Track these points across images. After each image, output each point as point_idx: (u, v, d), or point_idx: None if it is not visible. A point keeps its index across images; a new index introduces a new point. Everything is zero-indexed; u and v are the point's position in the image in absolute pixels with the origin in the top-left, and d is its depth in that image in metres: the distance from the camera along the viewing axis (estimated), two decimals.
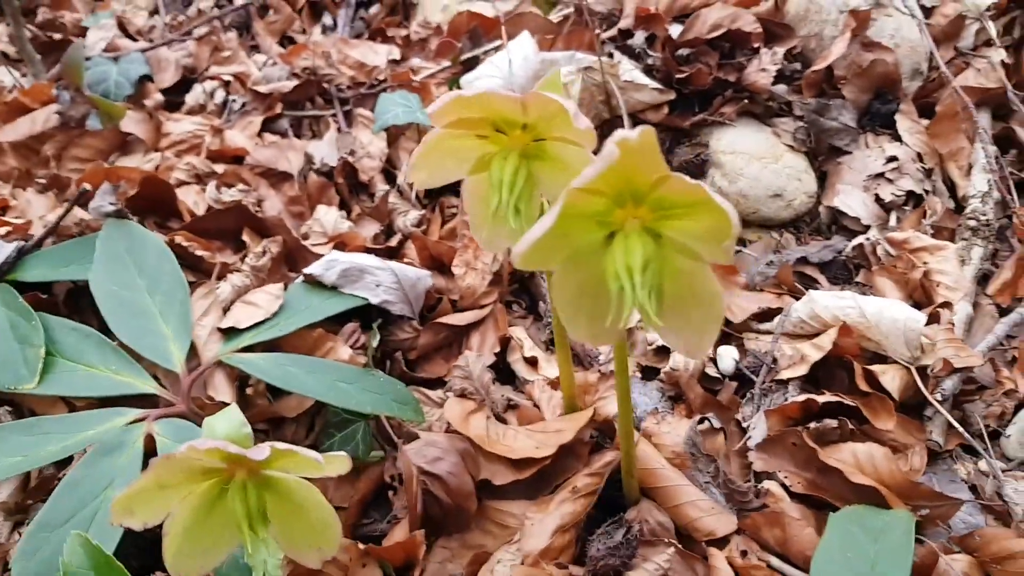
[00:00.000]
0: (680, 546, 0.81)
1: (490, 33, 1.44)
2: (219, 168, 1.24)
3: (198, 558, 0.70)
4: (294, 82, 1.41)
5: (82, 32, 1.67)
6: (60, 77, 1.41)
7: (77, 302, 1.07)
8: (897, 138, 1.25)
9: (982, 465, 0.90)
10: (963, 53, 1.31)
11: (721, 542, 0.83)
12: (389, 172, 1.29)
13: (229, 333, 0.95)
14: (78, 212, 1.10)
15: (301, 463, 0.67)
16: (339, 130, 1.34)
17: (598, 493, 0.86)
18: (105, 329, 0.98)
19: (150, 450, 0.84)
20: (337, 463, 0.67)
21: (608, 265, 0.59)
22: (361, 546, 0.83)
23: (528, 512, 0.85)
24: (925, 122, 1.26)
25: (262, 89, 1.42)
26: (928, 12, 1.35)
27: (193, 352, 0.94)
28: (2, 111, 1.35)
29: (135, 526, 0.65)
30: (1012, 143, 1.26)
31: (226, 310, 0.98)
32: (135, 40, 1.59)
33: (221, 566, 0.73)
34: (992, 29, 1.30)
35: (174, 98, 1.47)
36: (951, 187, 1.22)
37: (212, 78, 1.48)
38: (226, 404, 0.91)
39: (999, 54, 1.28)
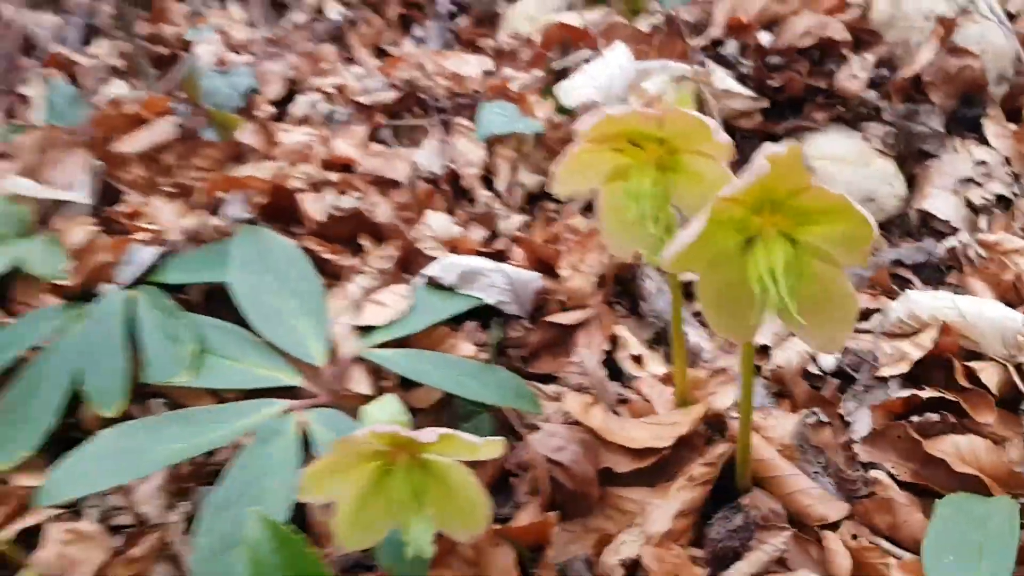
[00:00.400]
0: (795, 530, 0.87)
1: (579, 43, 1.50)
2: (332, 176, 1.32)
3: (364, 534, 0.78)
4: (393, 93, 1.49)
5: (185, 46, 1.77)
6: (173, 90, 1.51)
7: (212, 304, 1.15)
8: (984, 142, 1.29)
9: None
10: None
11: (833, 527, 0.88)
12: (487, 178, 1.36)
13: (364, 330, 1.03)
14: (210, 219, 1.18)
15: (460, 446, 0.74)
16: (440, 139, 1.41)
17: (713, 482, 0.92)
18: (243, 328, 1.06)
19: (302, 438, 0.92)
20: (491, 447, 0.74)
21: (750, 268, 0.65)
22: (495, 527, 0.90)
23: (648, 498, 0.92)
24: (1012, 127, 1.29)
25: (363, 100, 1.49)
26: (1013, 18, 1.39)
27: (332, 349, 1.02)
28: (121, 122, 1.44)
29: (318, 502, 0.72)
30: None
31: (357, 307, 1.06)
32: (237, 53, 1.67)
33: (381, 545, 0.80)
34: None
35: (280, 109, 1.55)
36: None
37: (315, 90, 1.56)
38: (365, 395, 0.99)
39: None
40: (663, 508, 0.90)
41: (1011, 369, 0.98)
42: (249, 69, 1.56)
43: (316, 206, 1.23)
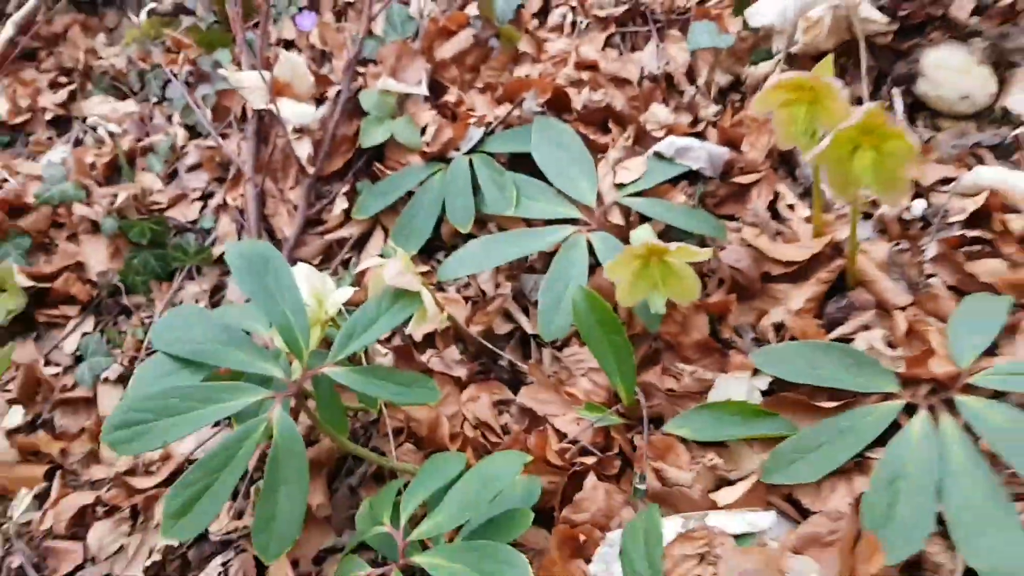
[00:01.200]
0: (879, 311, 1.49)
1: None
2: (584, 76, 1.94)
3: (630, 298, 1.45)
4: (622, 8, 2.07)
5: None
6: (468, 5, 2.14)
7: (517, 166, 1.82)
8: None
9: None
10: None
11: (901, 309, 1.49)
12: (691, 76, 1.95)
13: (618, 186, 1.69)
14: (514, 110, 1.84)
15: (688, 253, 1.39)
16: (657, 46, 1.99)
17: (832, 282, 1.54)
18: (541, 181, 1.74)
19: (588, 247, 1.59)
20: (705, 253, 1.39)
21: (856, 163, 1.25)
22: (698, 301, 1.55)
23: (791, 290, 1.55)
24: None
25: (600, 13, 2.08)
26: None
27: (599, 196, 1.68)
28: (437, 34, 2.09)
29: (611, 279, 1.39)
30: None
31: (614, 171, 1.71)
32: None
33: (638, 304, 1.48)
34: None
35: (539, 20, 2.16)
36: None
37: (564, 3, 2.15)
38: (620, 225, 1.66)
39: None
40: (799, 295, 1.53)
41: None
42: None
43: (579, 99, 1.86)
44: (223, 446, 1.24)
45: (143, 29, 2.50)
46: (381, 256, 1.81)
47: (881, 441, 1.32)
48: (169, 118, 2.29)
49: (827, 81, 1.28)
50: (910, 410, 1.33)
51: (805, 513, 1.30)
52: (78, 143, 2.37)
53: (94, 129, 2.34)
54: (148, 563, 1.60)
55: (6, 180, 2.19)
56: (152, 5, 2.59)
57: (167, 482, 1.69)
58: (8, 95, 2.46)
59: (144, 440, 1.23)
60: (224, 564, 1.54)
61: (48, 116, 2.42)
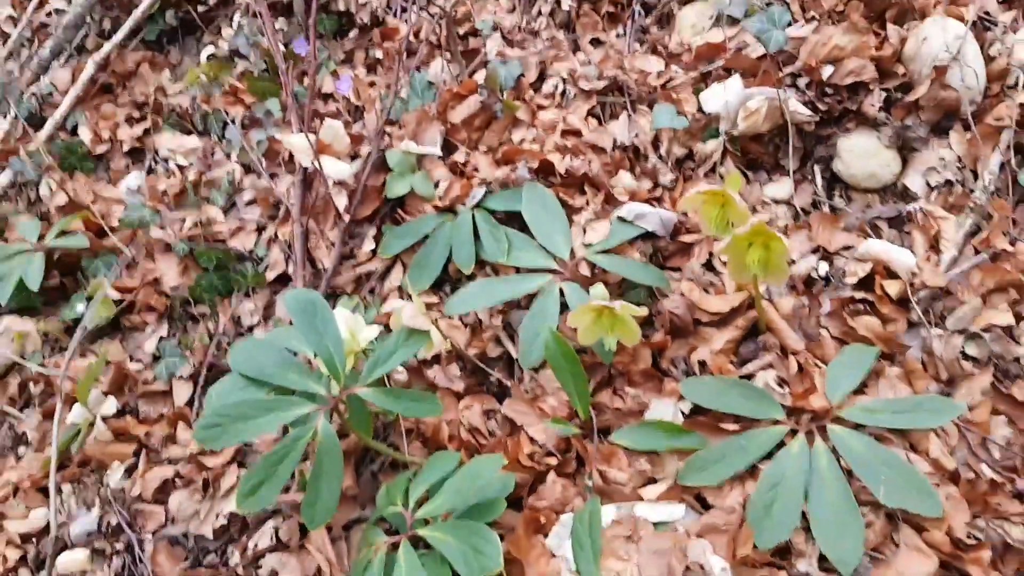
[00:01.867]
0: (779, 351, 1.94)
1: (717, 55, 2.44)
2: (568, 143, 2.38)
3: (587, 339, 1.91)
4: (603, 83, 2.50)
5: (475, 31, 2.80)
6: (474, 76, 2.58)
7: (510, 221, 2.27)
8: (949, 145, 2.19)
9: (934, 331, 1.94)
10: (1007, 88, 2.20)
11: (795, 354, 1.94)
12: (655, 145, 2.38)
13: (587, 245, 2.14)
14: (509, 173, 2.29)
15: (630, 311, 1.84)
16: (629, 117, 2.43)
17: (747, 328, 1.99)
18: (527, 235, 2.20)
19: (560, 294, 2.05)
20: (641, 311, 1.84)
21: (749, 258, 1.70)
22: (643, 340, 2.00)
23: (714, 333, 2.01)
24: (968, 135, 2.18)
25: (585, 86, 2.51)
26: (991, 59, 2.22)
27: (572, 252, 2.14)
28: (449, 98, 2.54)
29: (572, 325, 1.85)
30: None
31: (584, 231, 2.16)
32: (511, 46, 2.70)
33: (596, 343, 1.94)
34: (1022, 77, 2.17)
35: (534, 87, 2.60)
36: (976, 178, 2.16)
37: (556, 75, 2.58)
38: (587, 276, 2.11)
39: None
40: (721, 337, 1.99)
41: (907, 286, 1.97)
42: (519, 61, 2.60)
43: (562, 165, 2.31)
44: (283, 446, 1.72)
45: (203, 70, 2.95)
46: (400, 288, 2.28)
47: (769, 456, 1.78)
48: (228, 155, 2.75)
49: (730, 194, 1.72)
50: (793, 433, 1.79)
51: (708, 507, 1.76)
52: (150, 171, 2.84)
53: (165, 161, 2.81)
54: (216, 525, 2.09)
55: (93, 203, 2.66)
56: (211, 50, 3.04)
57: (229, 463, 2.18)
58: (91, 126, 2.93)
59: (225, 438, 1.71)
60: (275, 527, 2.03)
61: (125, 148, 2.89)
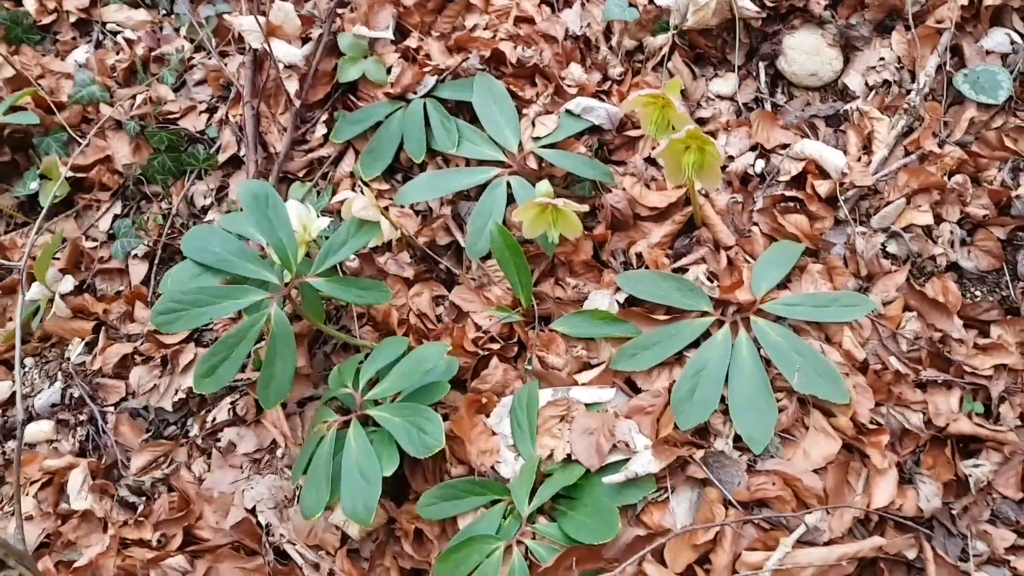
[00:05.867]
0: (711, 246, 2.05)
1: None
2: (521, 31, 2.39)
3: (531, 232, 1.98)
4: None
5: None
6: None
7: (460, 111, 2.31)
8: (891, 46, 2.24)
9: (858, 229, 2.05)
10: None
11: (728, 248, 2.05)
12: (607, 36, 2.40)
13: (536, 138, 2.19)
14: (461, 62, 2.31)
15: (574, 207, 1.92)
16: (582, 6, 2.44)
17: (683, 223, 2.09)
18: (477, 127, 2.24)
19: (507, 187, 2.12)
20: (582, 208, 1.92)
21: (684, 161, 1.77)
22: (585, 232, 2.09)
23: (653, 227, 2.10)
24: (908, 35, 2.23)
25: None
26: None
27: (520, 145, 2.19)
28: None
29: (518, 218, 1.93)
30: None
31: (533, 124, 2.21)
32: None
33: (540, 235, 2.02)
34: None
35: None
36: (912, 79, 2.23)
37: None
38: (534, 170, 2.17)
39: None
40: (659, 231, 2.08)
41: (836, 185, 2.06)
42: None
43: (513, 55, 2.32)
44: (238, 329, 1.81)
45: None
46: (352, 174, 2.33)
47: (695, 345, 1.91)
48: (177, 31, 2.71)
49: (670, 97, 1.78)
50: (719, 324, 1.92)
51: (637, 391, 1.90)
52: (98, 45, 2.79)
53: (113, 34, 2.76)
54: (175, 399, 2.20)
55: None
56: None
57: (186, 340, 2.27)
58: None
59: (181, 323, 1.79)
60: (232, 403, 2.15)
61: (72, 19, 2.83)
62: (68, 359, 2.33)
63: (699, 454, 1.76)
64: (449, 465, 1.87)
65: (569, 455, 1.78)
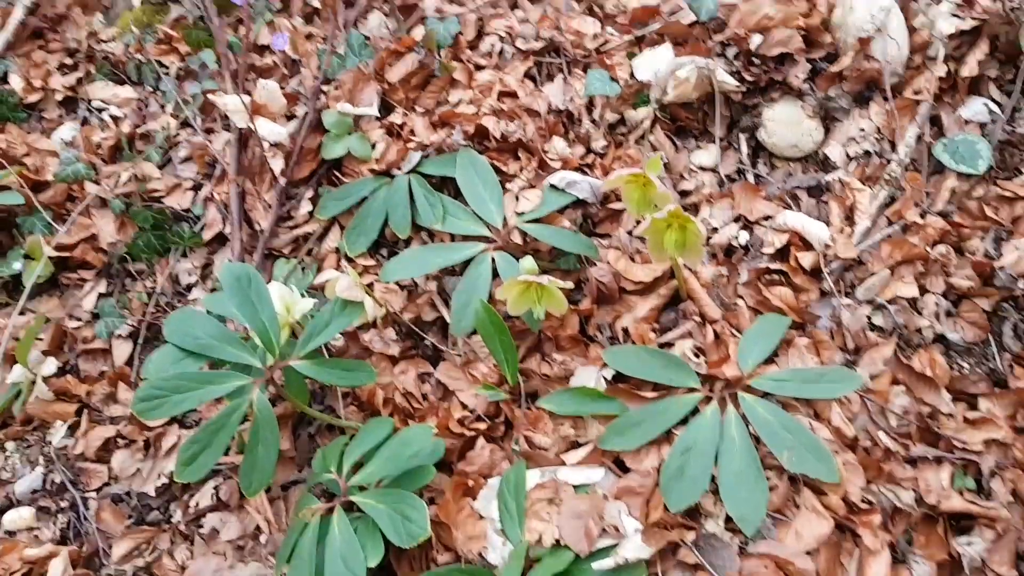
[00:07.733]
0: (698, 320, 2.04)
1: (651, 19, 2.46)
2: (504, 105, 2.40)
3: (517, 309, 1.98)
4: (540, 44, 2.51)
5: None
6: (414, 36, 2.57)
7: (445, 186, 2.31)
8: (870, 117, 2.26)
9: (844, 301, 2.05)
10: (927, 60, 2.27)
11: (714, 322, 2.04)
12: (589, 109, 2.42)
13: (520, 213, 2.19)
14: (445, 137, 2.32)
15: (557, 285, 1.92)
16: (564, 80, 2.46)
17: (669, 296, 2.08)
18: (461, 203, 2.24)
19: (492, 263, 2.11)
20: (567, 285, 1.92)
21: (666, 239, 1.77)
22: (571, 307, 2.08)
23: (638, 301, 2.09)
24: (888, 107, 2.25)
25: (522, 46, 2.53)
26: (913, 31, 2.28)
27: (504, 220, 2.19)
28: (387, 56, 2.54)
29: (501, 296, 1.92)
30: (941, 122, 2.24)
31: (517, 198, 2.22)
32: (450, 2, 2.69)
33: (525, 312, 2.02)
34: (942, 51, 2.24)
35: (471, 45, 2.60)
36: (893, 149, 2.24)
37: (494, 32, 2.58)
38: (519, 245, 2.17)
39: (942, 68, 2.23)
40: (644, 305, 2.08)
41: (820, 257, 2.07)
42: (457, 17, 2.58)
43: (497, 129, 2.34)
44: (219, 416, 1.78)
45: (135, 15, 2.90)
46: (338, 250, 2.33)
47: (684, 422, 1.89)
48: (163, 107, 2.73)
49: (651, 177, 1.79)
50: (707, 401, 1.90)
51: (626, 470, 1.88)
52: (84, 123, 2.80)
53: (99, 112, 2.78)
54: (158, 484, 2.16)
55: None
56: None
57: (169, 423, 2.24)
58: (22, 74, 2.88)
59: (162, 410, 1.77)
60: (215, 487, 2.11)
61: (59, 97, 2.84)
62: (50, 443, 2.29)
63: (690, 537, 1.73)
64: (435, 552, 1.83)
65: (558, 540, 1.74)
